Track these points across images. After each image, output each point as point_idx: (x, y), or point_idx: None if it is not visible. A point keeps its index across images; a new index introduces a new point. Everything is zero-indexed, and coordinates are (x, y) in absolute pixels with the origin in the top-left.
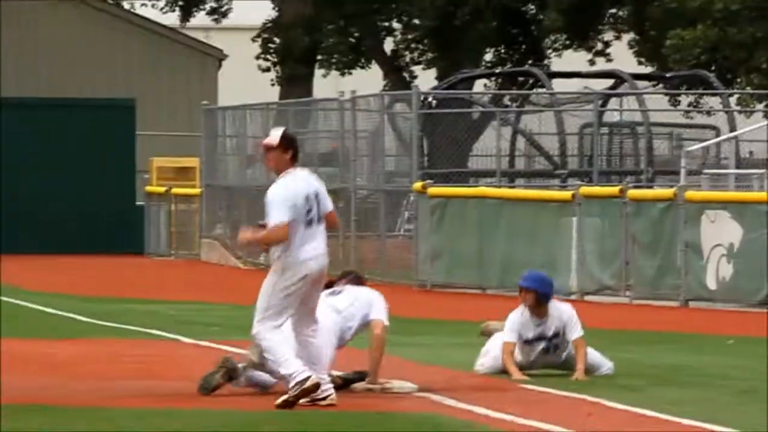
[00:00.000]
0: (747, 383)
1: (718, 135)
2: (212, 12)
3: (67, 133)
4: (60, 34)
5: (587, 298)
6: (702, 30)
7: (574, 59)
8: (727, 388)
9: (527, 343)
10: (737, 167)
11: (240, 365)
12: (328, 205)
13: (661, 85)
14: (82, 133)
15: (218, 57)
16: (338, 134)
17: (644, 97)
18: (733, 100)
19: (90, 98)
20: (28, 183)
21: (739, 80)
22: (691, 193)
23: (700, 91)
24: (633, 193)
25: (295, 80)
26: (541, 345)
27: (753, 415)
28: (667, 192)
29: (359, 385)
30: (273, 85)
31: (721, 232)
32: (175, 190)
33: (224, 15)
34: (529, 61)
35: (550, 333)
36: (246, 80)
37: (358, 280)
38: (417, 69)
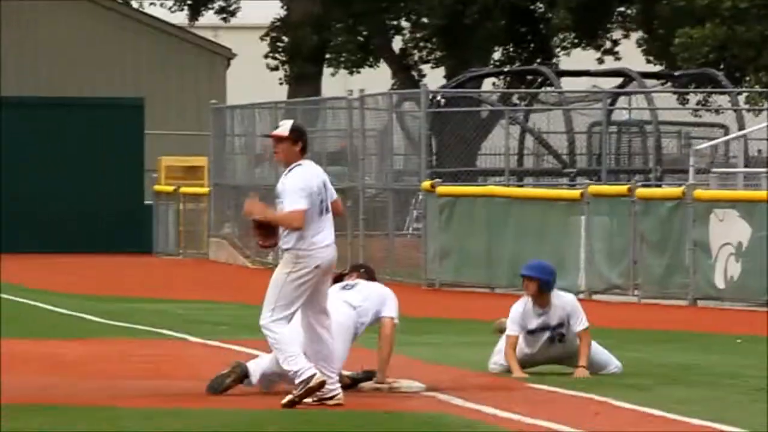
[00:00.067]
0: (755, 382)
1: (726, 133)
2: (221, 11)
3: (77, 132)
4: (69, 33)
5: (595, 297)
6: (710, 28)
7: (582, 58)
8: (735, 388)
9: (531, 333)
10: (746, 166)
11: (250, 367)
12: (334, 193)
13: (669, 84)
14: (91, 133)
15: (227, 56)
16: (347, 133)
17: (653, 96)
18: (741, 98)
19: (99, 97)
20: (36, 183)
21: (747, 78)
22: (699, 192)
23: (708, 89)
24: (641, 191)
25: (303, 79)
26: (546, 335)
27: (761, 414)
28: (675, 191)
29: (367, 385)
30: (281, 83)
31: (729, 231)
32: (183, 189)
33: (233, 14)
34: (538, 60)
35: (553, 322)
36: (254, 79)
37: (370, 275)
38: (426, 67)
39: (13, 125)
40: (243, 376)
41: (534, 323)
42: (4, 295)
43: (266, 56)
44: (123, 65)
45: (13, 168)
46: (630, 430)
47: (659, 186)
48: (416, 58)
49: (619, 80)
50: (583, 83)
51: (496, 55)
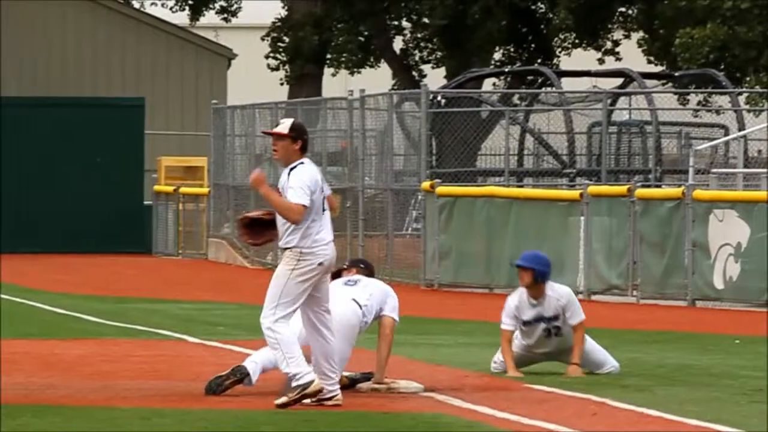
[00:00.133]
0: (754, 383)
1: (726, 134)
2: (222, 11)
3: (77, 132)
4: (70, 33)
5: (594, 297)
6: (711, 29)
7: (583, 58)
8: (733, 388)
9: (526, 324)
10: (745, 166)
11: (249, 368)
12: (327, 189)
13: (670, 84)
14: (91, 132)
15: (228, 56)
16: (347, 133)
17: (653, 96)
18: (742, 99)
19: (99, 97)
20: (36, 183)
21: (748, 79)
22: (699, 193)
23: (709, 90)
24: (641, 192)
25: (304, 79)
26: (541, 326)
27: (759, 415)
28: (675, 191)
29: (365, 385)
30: (282, 84)
31: (728, 232)
32: (183, 190)
33: (234, 14)
34: (538, 60)
35: (547, 314)
36: (255, 79)
37: (370, 270)
38: (426, 68)
39: (13, 125)
40: (243, 377)
41: (528, 314)
42: (2, 296)
43: (267, 56)
44: (123, 65)
45: (13, 168)
46: (628, 431)
47: (659, 186)
48: (417, 58)
49: (619, 81)
50: (583, 83)
51: (497, 55)
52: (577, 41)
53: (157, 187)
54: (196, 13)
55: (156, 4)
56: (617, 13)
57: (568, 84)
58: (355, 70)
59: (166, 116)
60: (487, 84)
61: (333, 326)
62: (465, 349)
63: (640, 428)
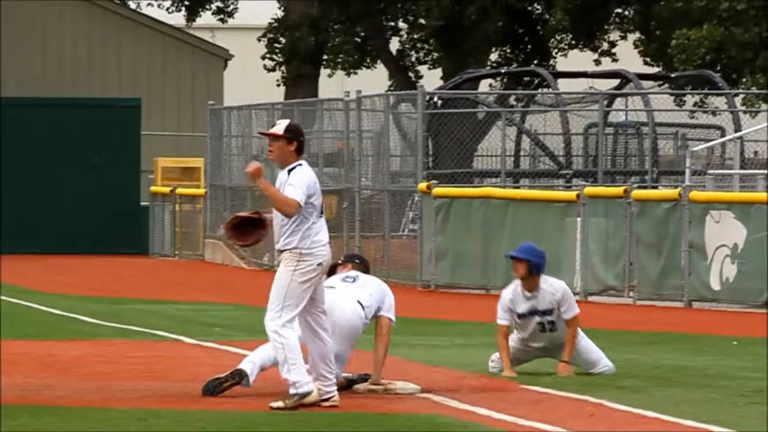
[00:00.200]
0: (751, 384)
1: (723, 135)
2: (218, 12)
3: (73, 132)
4: (67, 33)
5: (591, 298)
6: (708, 30)
7: (579, 59)
8: (730, 390)
9: (521, 317)
10: (742, 167)
11: (247, 368)
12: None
13: (666, 85)
14: (87, 133)
15: (224, 57)
16: (343, 134)
17: (649, 97)
18: (738, 100)
19: (95, 98)
20: (33, 183)
21: (744, 80)
22: (695, 194)
23: (705, 91)
24: (637, 193)
25: (300, 80)
26: (535, 319)
27: (757, 416)
28: (671, 192)
29: (362, 386)
30: (279, 85)
31: (725, 233)
32: (179, 191)
33: (230, 15)
34: (535, 61)
35: (541, 307)
36: (252, 80)
37: (365, 266)
38: (422, 69)
39: (11, 125)
40: (240, 379)
41: (523, 307)
42: (1, 297)
43: (263, 57)
44: (120, 66)
45: (13, 168)
46: None
47: (655, 188)
48: (413, 59)
49: (615, 82)
50: (579, 84)
51: (493, 56)
52: (573, 42)
53: (153, 188)
54: (192, 14)
55: (152, 5)
56: (613, 14)
57: (564, 85)
58: (352, 71)
59: (162, 117)
60: (484, 85)
61: (329, 327)
62: (462, 350)
63: (637, 429)
